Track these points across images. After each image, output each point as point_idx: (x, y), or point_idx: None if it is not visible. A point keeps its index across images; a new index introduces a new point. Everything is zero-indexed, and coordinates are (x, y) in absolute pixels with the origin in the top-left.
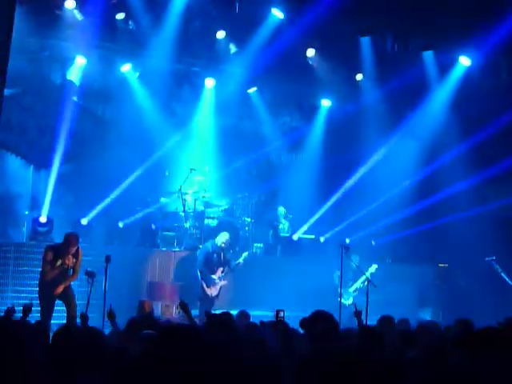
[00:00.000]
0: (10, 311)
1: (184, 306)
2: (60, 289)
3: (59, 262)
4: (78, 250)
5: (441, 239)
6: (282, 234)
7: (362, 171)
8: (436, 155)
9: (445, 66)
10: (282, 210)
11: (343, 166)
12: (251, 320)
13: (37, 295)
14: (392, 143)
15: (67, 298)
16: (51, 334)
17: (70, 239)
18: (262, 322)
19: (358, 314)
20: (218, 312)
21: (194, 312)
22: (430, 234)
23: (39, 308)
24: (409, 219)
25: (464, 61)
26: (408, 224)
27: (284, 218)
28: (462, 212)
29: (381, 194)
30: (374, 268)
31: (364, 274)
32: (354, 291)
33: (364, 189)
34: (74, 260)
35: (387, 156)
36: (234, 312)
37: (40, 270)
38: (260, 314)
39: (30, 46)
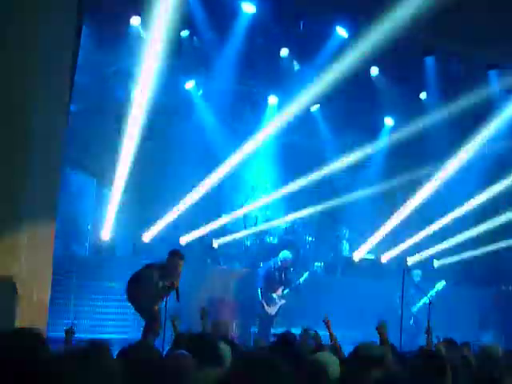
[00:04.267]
0: (70, 332)
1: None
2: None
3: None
4: None
5: (504, 262)
6: (342, 254)
7: (425, 191)
8: (501, 176)
9: (510, 85)
10: (344, 231)
11: (406, 186)
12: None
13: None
14: (456, 163)
15: None
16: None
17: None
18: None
19: (428, 331)
20: (278, 330)
21: (253, 329)
22: (493, 256)
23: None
24: (471, 241)
25: None
26: (470, 245)
27: (346, 240)
28: None
29: (444, 214)
30: (441, 285)
31: (425, 295)
32: (416, 310)
33: (426, 209)
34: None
35: (451, 176)
36: (294, 331)
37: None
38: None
39: (94, 63)
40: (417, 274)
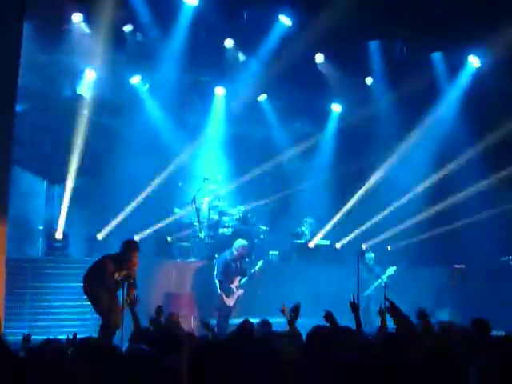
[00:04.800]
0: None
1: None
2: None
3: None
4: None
5: (456, 241)
6: (297, 241)
7: (375, 176)
8: (449, 157)
9: (454, 67)
10: (310, 220)
11: (357, 171)
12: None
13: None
14: (405, 147)
15: None
16: None
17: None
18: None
19: (382, 312)
20: (235, 321)
21: (212, 321)
22: (446, 236)
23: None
24: (424, 223)
25: (473, 61)
26: (423, 227)
27: (309, 229)
28: (476, 214)
29: (395, 198)
30: (392, 270)
31: (380, 278)
32: (368, 294)
33: (378, 194)
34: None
35: (400, 160)
36: (253, 320)
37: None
38: (276, 321)
39: (38, 62)
40: (370, 257)
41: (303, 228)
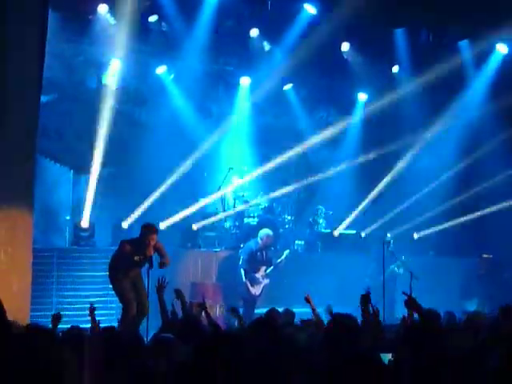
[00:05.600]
0: (57, 318)
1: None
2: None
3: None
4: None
5: (484, 231)
6: (322, 231)
7: (401, 164)
8: (476, 145)
9: (482, 55)
10: (321, 208)
11: (382, 160)
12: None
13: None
14: (431, 134)
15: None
16: None
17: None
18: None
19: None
20: (261, 310)
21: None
22: (473, 225)
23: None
24: (451, 211)
25: (501, 48)
26: (450, 216)
27: (323, 217)
28: (504, 202)
29: (421, 186)
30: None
31: (399, 262)
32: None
33: (404, 182)
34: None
35: (426, 148)
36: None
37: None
38: (302, 311)
39: (64, 52)
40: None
41: (315, 217)
